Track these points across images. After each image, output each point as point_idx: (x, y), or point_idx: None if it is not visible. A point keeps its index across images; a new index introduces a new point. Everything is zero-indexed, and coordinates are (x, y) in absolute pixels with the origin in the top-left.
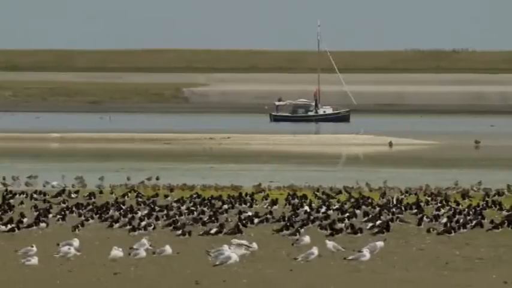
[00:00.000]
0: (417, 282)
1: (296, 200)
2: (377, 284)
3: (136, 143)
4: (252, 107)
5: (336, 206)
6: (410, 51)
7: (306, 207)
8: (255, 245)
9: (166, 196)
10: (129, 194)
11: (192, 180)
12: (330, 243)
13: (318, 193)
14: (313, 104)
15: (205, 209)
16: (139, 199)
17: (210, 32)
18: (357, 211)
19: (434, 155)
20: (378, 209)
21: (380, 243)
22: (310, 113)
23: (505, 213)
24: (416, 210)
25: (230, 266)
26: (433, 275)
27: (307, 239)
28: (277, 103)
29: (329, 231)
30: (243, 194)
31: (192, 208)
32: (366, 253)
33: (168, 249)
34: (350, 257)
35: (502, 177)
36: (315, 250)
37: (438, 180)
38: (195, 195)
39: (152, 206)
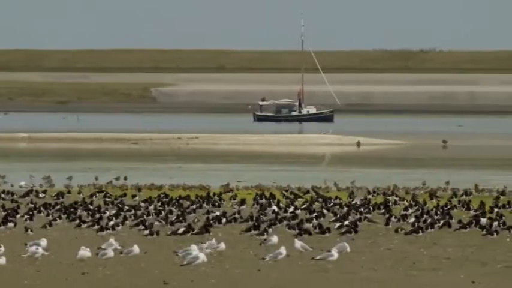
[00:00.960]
0: (385, 282)
1: (264, 200)
2: (345, 284)
3: (104, 143)
4: (220, 107)
5: (304, 206)
6: (378, 51)
7: (274, 207)
8: (222, 245)
9: (134, 196)
10: (97, 194)
11: (160, 180)
12: (298, 243)
13: (286, 193)
14: (297, 104)
15: (173, 208)
16: (107, 199)
17: (178, 31)
18: (325, 211)
19: (402, 154)
20: (345, 209)
21: (346, 244)
22: (293, 113)
23: (472, 213)
24: (384, 210)
25: (198, 266)
26: (400, 274)
27: (275, 238)
28: (260, 103)
29: (297, 231)
30: (211, 194)
31: (160, 208)
32: (334, 253)
33: (136, 249)
34: (318, 257)
35: (469, 177)
36: (282, 250)
37: (406, 180)
38: (163, 195)
39: (120, 206)
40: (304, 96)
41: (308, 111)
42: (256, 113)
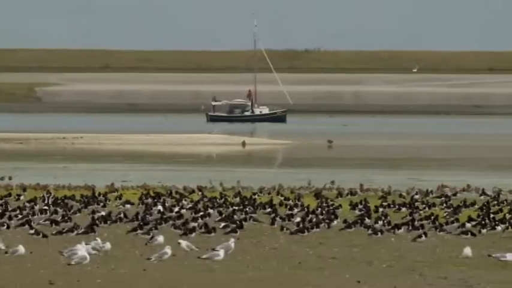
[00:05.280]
0: (270, 281)
1: (149, 200)
2: (230, 284)
3: None
4: (106, 106)
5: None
6: (249, 51)
7: (160, 207)
8: (108, 245)
9: (19, 196)
10: None
11: (45, 179)
12: (183, 243)
13: (171, 192)
14: (250, 104)
15: (58, 208)
16: None
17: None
18: (211, 210)
19: (288, 154)
20: (231, 208)
21: (232, 243)
22: (246, 113)
23: (357, 212)
24: (269, 210)
25: (84, 265)
26: (286, 274)
27: (160, 238)
28: (213, 103)
29: (183, 231)
30: (97, 194)
31: (45, 208)
32: (220, 252)
33: (21, 249)
34: (204, 256)
35: (354, 177)
36: (168, 250)
37: (291, 180)
38: (48, 195)
39: (4, 205)
40: (256, 96)
41: (261, 112)
42: (209, 114)
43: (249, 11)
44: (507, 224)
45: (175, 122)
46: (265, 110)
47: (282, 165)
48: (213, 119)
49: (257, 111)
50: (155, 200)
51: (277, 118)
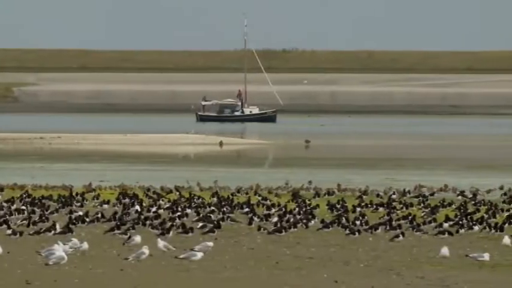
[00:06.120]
0: (248, 281)
1: (127, 200)
2: (207, 283)
3: None
4: (83, 106)
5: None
6: (240, 50)
7: (137, 207)
8: (85, 245)
9: None
10: None
11: (23, 179)
12: (161, 243)
13: (148, 192)
14: (240, 104)
15: (35, 208)
16: None
17: (40, 31)
18: (188, 210)
19: (265, 154)
20: (209, 208)
21: (211, 243)
22: (236, 113)
23: (335, 212)
24: (247, 210)
25: (61, 265)
26: (263, 274)
27: (138, 238)
28: (203, 103)
29: (160, 231)
30: (74, 194)
31: (23, 208)
32: (198, 252)
33: None
34: (181, 256)
35: (332, 177)
36: (145, 249)
37: (269, 180)
38: (25, 195)
39: None
40: (246, 96)
41: (251, 112)
42: (199, 113)
43: (226, 11)
44: (484, 224)
45: (153, 122)
46: (255, 110)
47: (260, 165)
48: (203, 119)
49: (247, 111)
50: (133, 200)
51: (267, 118)
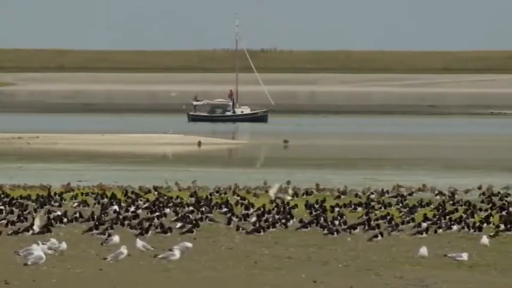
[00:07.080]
0: (226, 281)
1: (105, 200)
2: (186, 283)
3: None
4: (61, 106)
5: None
6: (219, 50)
7: (115, 207)
8: (64, 245)
9: None
10: None
11: (1, 179)
12: (139, 243)
13: (127, 192)
14: (231, 103)
15: (14, 208)
16: None
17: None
18: (167, 210)
19: (244, 154)
20: (187, 208)
21: (189, 244)
22: (228, 113)
23: (314, 212)
24: (225, 210)
25: (40, 265)
26: (242, 273)
27: (116, 238)
28: (195, 102)
29: (138, 231)
30: (52, 194)
31: (1, 208)
32: (176, 252)
33: None
34: (160, 256)
35: (310, 176)
36: (124, 249)
37: (247, 180)
38: (3, 195)
39: None
40: (238, 96)
41: (242, 111)
42: (191, 113)
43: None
44: (463, 224)
45: (131, 122)
46: (247, 110)
47: (238, 165)
48: (194, 119)
49: (238, 111)
50: (111, 200)
51: (258, 118)
